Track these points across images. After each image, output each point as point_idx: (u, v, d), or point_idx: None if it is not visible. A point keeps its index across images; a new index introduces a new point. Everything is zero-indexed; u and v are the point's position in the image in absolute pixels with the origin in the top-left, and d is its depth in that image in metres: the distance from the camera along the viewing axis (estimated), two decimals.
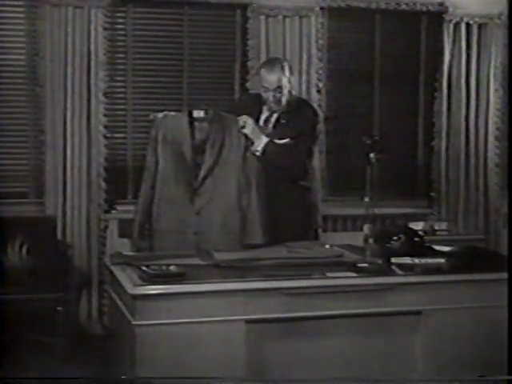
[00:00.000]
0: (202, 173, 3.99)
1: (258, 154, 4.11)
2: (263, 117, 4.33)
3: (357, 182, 4.39)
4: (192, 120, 4.05)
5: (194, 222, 4.02)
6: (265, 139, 4.13)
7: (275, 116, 4.31)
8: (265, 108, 4.33)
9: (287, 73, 4.27)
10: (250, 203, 4.02)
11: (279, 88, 4.22)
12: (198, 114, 4.05)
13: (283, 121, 4.29)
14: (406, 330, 3.52)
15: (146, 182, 4.12)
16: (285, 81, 4.23)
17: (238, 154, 4.04)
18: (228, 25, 5.77)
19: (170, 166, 4.03)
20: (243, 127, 4.08)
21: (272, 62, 4.40)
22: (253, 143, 4.11)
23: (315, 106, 5.11)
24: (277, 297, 3.37)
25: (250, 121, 4.12)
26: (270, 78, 4.22)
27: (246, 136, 4.08)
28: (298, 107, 4.35)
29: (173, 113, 4.17)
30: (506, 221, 5.62)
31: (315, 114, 4.51)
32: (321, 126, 4.48)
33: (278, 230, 4.05)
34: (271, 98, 4.24)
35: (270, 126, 4.31)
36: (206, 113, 4.05)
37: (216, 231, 4.01)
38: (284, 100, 4.25)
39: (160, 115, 4.11)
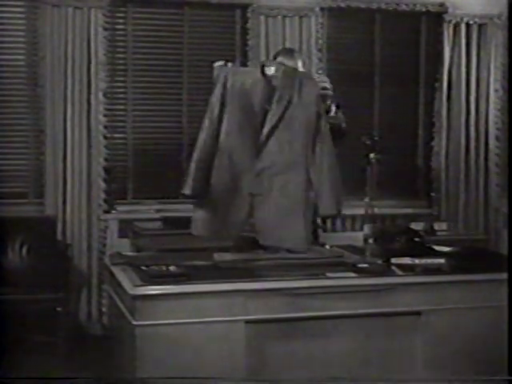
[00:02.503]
0: (266, 130, 3.73)
1: (331, 120, 3.92)
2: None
3: (357, 182, 4.37)
4: (263, 75, 3.80)
5: (253, 183, 3.77)
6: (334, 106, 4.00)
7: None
8: None
9: (302, 62, 4.16)
10: (322, 173, 3.78)
11: None
12: (269, 70, 3.79)
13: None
14: (406, 330, 3.52)
15: (206, 131, 3.73)
16: (300, 70, 4.08)
17: (305, 114, 3.77)
18: (228, 25, 5.78)
19: (236, 118, 3.74)
20: (325, 88, 3.91)
21: (289, 50, 4.35)
22: (329, 108, 3.96)
23: None
24: (277, 297, 3.37)
25: (328, 83, 3.96)
26: (289, 64, 4.00)
27: (322, 98, 3.86)
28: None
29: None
30: (506, 221, 5.62)
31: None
32: None
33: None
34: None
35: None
36: (277, 70, 3.80)
37: (275, 197, 3.76)
38: None
39: (228, 64, 3.84)
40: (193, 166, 3.72)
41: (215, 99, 3.74)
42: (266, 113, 3.76)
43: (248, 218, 3.76)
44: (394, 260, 3.70)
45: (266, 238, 3.78)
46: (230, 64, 3.83)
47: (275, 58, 4.10)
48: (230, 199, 3.76)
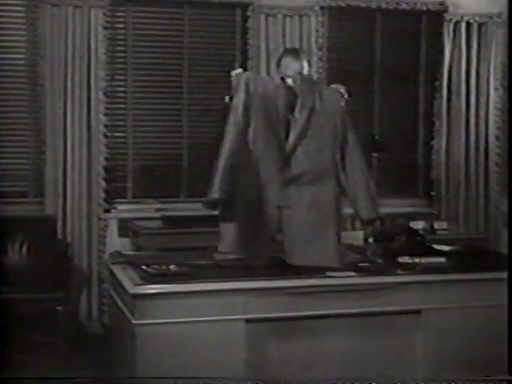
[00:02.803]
0: (292, 138, 3.65)
1: None
2: None
3: None
4: (284, 82, 3.80)
5: (281, 195, 3.65)
6: None
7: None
8: None
9: (307, 62, 4.09)
10: (355, 179, 3.70)
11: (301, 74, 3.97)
12: (288, 80, 3.80)
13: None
14: (406, 330, 3.52)
15: (232, 136, 3.61)
16: (305, 69, 4.01)
17: (331, 122, 3.74)
18: (228, 24, 5.77)
19: (261, 125, 3.66)
20: (343, 95, 3.85)
21: (294, 51, 4.31)
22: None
23: None
24: (277, 296, 3.38)
25: (344, 89, 3.89)
26: (295, 65, 3.94)
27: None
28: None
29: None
30: (506, 220, 5.62)
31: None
32: None
33: None
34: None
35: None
36: (295, 80, 3.81)
37: (304, 210, 3.65)
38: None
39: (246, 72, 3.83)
40: (220, 170, 3.57)
41: (239, 104, 3.66)
42: (289, 120, 3.70)
43: (276, 234, 3.61)
44: (394, 259, 3.70)
45: (295, 256, 3.61)
46: (247, 72, 3.83)
47: (281, 58, 4.04)
48: (257, 213, 3.61)
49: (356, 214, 3.74)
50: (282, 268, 3.58)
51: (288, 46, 5.54)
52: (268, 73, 5.56)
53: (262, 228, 3.59)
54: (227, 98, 3.76)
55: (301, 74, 3.84)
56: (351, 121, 3.84)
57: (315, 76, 5.59)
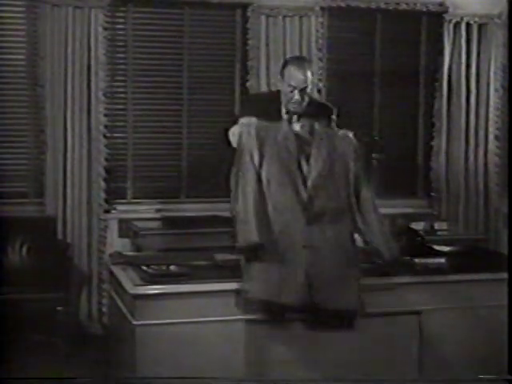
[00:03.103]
0: (310, 182, 3.61)
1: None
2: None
3: None
4: (291, 129, 3.74)
5: (305, 233, 3.55)
6: None
7: (295, 118, 3.96)
8: (283, 109, 3.97)
9: (311, 73, 4.00)
10: (370, 222, 3.66)
11: (306, 88, 3.90)
12: (296, 126, 3.74)
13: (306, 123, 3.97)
14: (406, 330, 3.52)
15: (251, 179, 3.55)
16: (310, 81, 3.92)
17: (344, 165, 3.70)
18: (228, 25, 5.77)
19: (275, 169, 3.59)
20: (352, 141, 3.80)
21: (300, 60, 4.15)
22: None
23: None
24: None
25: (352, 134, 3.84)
26: (300, 76, 3.86)
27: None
28: (318, 108, 4.05)
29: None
30: (506, 220, 5.62)
31: (332, 111, 4.19)
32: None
33: None
34: (297, 98, 3.88)
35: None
36: (302, 126, 3.75)
37: (328, 250, 3.56)
38: (306, 101, 3.94)
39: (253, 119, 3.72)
40: (251, 215, 3.48)
41: (253, 152, 3.60)
42: (302, 166, 3.65)
43: (305, 277, 3.46)
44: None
45: (319, 298, 3.47)
46: (254, 119, 3.71)
47: (284, 67, 3.93)
48: (283, 255, 3.49)
49: (376, 258, 3.67)
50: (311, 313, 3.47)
51: (291, 53, 5.54)
52: (268, 73, 5.59)
53: (290, 272, 3.46)
54: (234, 143, 3.71)
55: (310, 121, 3.77)
56: (360, 152, 3.83)
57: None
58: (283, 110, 3.98)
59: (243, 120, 3.75)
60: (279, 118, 3.97)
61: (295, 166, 3.63)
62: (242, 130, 3.66)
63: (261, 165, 3.59)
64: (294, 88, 3.87)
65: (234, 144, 3.70)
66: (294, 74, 3.86)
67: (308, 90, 3.92)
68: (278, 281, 3.42)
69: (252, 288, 3.41)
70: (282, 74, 3.94)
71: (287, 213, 3.56)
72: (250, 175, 3.57)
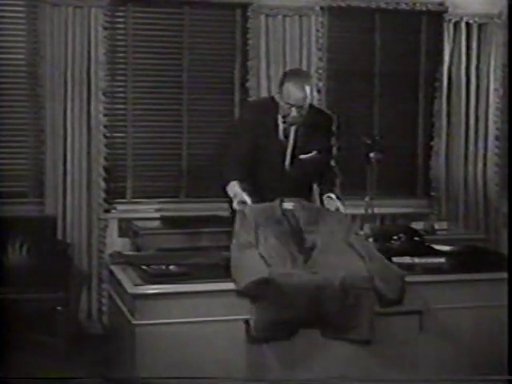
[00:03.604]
0: (314, 255, 3.56)
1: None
2: (281, 129, 3.96)
3: (357, 182, 4.37)
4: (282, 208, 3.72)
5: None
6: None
7: (293, 128, 3.96)
8: (280, 119, 3.94)
9: (313, 87, 4.00)
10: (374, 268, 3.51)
11: (305, 105, 3.85)
12: (288, 205, 3.73)
13: (303, 133, 3.99)
14: (406, 330, 3.52)
15: (253, 258, 3.48)
16: (309, 97, 3.84)
17: (338, 236, 3.66)
18: (228, 24, 5.77)
19: (271, 243, 3.53)
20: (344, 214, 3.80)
21: (299, 76, 3.98)
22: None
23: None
24: None
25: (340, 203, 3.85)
26: (299, 94, 3.80)
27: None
28: (316, 117, 4.05)
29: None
30: (506, 220, 5.62)
31: (332, 120, 4.17)
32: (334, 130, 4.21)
33: None
34: (295, 114, 3.85)
35: (291, 139, 3.98)
36: (294, 206, 3.73)
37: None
38: (305, 113, 3.90)
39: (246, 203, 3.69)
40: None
41: (250, 232, 3.57)
42: (300, 237, 3.65)
43: (315, 313, 3.39)
44: (394, 259, 3.69)
45: (330, 328, 3.43)
46: (248, 201, 3.68)
47: (283, 82, 3.86)
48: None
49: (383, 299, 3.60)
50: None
51: (291, 53, 5.56)
52: (268, 73, 5.59)
53: (301, 306, 3.38)
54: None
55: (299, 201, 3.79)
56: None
57: (313, 76, 5.58)
58: (280, 119, 3.95)
59: (237, 205, 3.69)
60: (276, 126, 3.96)
61: (292, 239, 3.61)
62: (238, 216, 3.64)
63: (257, 240, 3.54)
64: (291, 106, 3.83)
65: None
66: (293, 92, 3.80)
67: (306, 105, 3.87)
68: (286, 321, 3.35)
69: (257, 325, 3.33)
70: (280, 89, 3.88)
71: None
72: (252, 257, 3.48)
